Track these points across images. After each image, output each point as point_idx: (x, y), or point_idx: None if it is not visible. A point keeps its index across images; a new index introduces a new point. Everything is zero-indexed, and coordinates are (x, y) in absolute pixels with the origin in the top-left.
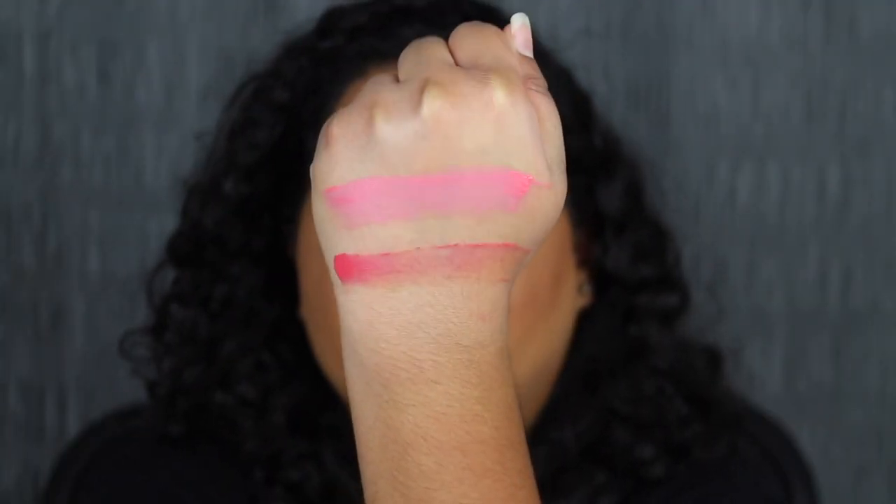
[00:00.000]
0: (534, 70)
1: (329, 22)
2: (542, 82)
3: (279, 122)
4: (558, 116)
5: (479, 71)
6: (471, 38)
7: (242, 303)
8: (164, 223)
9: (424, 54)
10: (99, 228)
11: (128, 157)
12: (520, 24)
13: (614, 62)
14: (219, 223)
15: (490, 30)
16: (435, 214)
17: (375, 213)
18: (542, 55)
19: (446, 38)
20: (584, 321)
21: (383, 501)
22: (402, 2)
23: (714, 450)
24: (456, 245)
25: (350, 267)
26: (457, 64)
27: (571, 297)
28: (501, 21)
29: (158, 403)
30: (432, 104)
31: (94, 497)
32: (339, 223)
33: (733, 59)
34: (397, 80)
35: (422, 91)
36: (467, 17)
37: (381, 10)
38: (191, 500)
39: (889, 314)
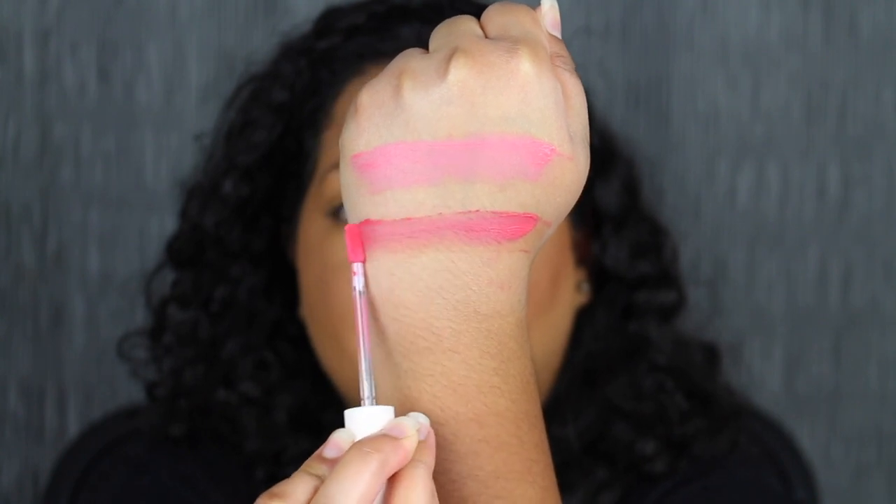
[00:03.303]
0: (562, 49)
1: (327, 22)
2: (570, 61)
3: (278, 123)
4: (584, 95)
5: (508, 42)
6: (501, 14)
7: (243, 303)
8: (164, 223)
9: (455, 27)
10: (99, 228)
11: (128, 157)
12: (549, 5)
13: (614, 61)
14: (218, 224)
15: (521, 7)
16: (457, 179)
17: (399, 177)
18: None
19: None
20: (584, 318)
21: None
22: (399, 1)
23: (715, 445)
24: (477, 211)
25: (372, 233)
26: (487, 38)
27: (570, 294)
28: None
29: (159, 404)
30: (458, 71)
31: (96, 497)
32: (364, 189)
33: (733, 59)
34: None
35: (449, 59)
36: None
37: (379, 10)
38: (192, 499)
39: (889, 314)
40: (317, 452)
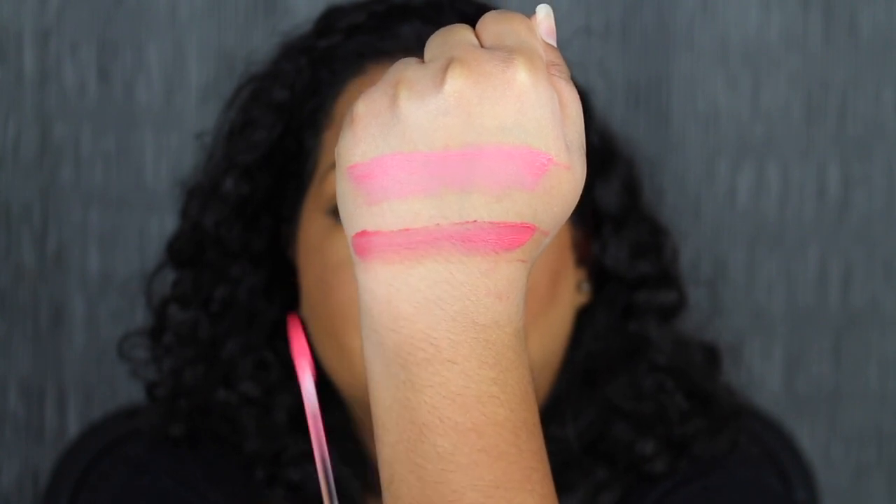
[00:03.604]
0: (557, 58)
1: (327, 21)
2: (566, 70)
3: (278, 122)
4: (580, 104)
5: (503, 51)
6: (496, 23)
7: (243, 303)
8: (164, 223)
9: (450, 37)
10: (99, 228)
11: (128, 157)
12: (544, 13)
13: (614, 61)
14: (218, 224)
15: (516, 15)
16: (454, 190)
17: (396, 188)
18: None
19: None
20: (584, 318)
21: (399, 483)
22: (399, 0)
23: (715, 445)
24: (474, 221)
25: (369, 244)
26: (482, 47)
27: (570, 294)
28: None
29: (159, 404)
30: (455, 81)
31: (96, 497)
32: (360, 200)
33: (733, 59)
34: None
35: (446, 69)
36: (465, 15)
37: (379, 9)
38: (192, 499)
39: (889, 314)
40: None
